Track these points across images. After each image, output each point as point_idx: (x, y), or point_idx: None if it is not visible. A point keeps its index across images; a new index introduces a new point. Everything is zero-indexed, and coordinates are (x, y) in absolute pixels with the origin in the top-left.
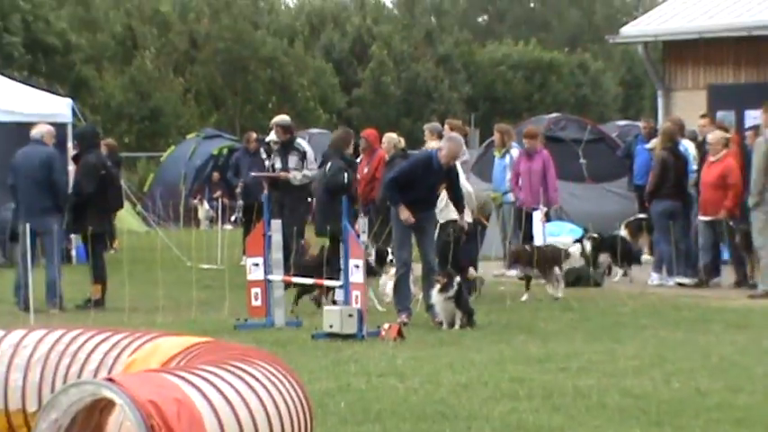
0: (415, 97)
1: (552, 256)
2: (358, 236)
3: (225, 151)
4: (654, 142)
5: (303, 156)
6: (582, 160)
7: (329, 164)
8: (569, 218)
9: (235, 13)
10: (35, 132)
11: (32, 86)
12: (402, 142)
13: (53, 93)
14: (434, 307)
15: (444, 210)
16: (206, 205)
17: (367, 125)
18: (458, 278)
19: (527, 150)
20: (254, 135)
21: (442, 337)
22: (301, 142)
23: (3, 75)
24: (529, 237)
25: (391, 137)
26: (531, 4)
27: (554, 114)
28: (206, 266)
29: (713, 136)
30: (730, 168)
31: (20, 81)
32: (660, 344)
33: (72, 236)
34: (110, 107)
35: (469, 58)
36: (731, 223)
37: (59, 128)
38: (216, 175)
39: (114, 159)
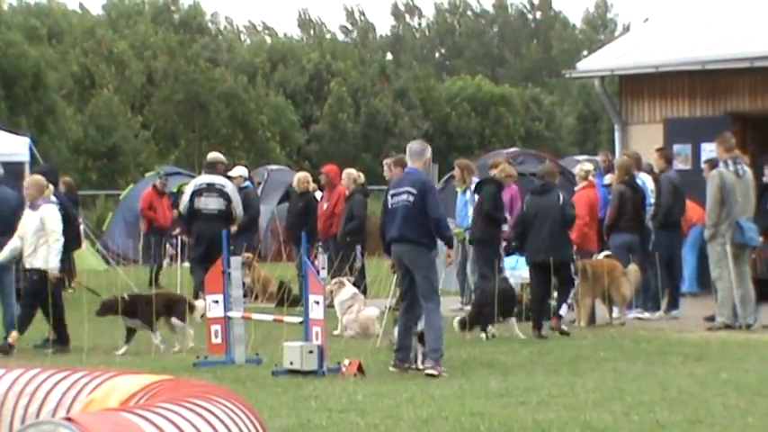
0: (374, 132)
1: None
2: (318, 272)
3: (184, 188)
4: (609, 177)
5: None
6: None
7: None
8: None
9: (192, 52)
10: None
11: None
12: (362, 177)
13: (11, 131)
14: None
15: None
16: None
17: (326, 161)
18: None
19: None
20: None
21: (401, 373)
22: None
23: None
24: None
25: (350, 173)
26: (490, 40)
27: (512, 149)
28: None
29: (578, 169)
30: (578, 200)
31: None
32: (619, 377)
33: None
34: (69, 143)
35: (426, 94)
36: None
37: (17, 167)
38: (175, 212)
39: (72, 198)
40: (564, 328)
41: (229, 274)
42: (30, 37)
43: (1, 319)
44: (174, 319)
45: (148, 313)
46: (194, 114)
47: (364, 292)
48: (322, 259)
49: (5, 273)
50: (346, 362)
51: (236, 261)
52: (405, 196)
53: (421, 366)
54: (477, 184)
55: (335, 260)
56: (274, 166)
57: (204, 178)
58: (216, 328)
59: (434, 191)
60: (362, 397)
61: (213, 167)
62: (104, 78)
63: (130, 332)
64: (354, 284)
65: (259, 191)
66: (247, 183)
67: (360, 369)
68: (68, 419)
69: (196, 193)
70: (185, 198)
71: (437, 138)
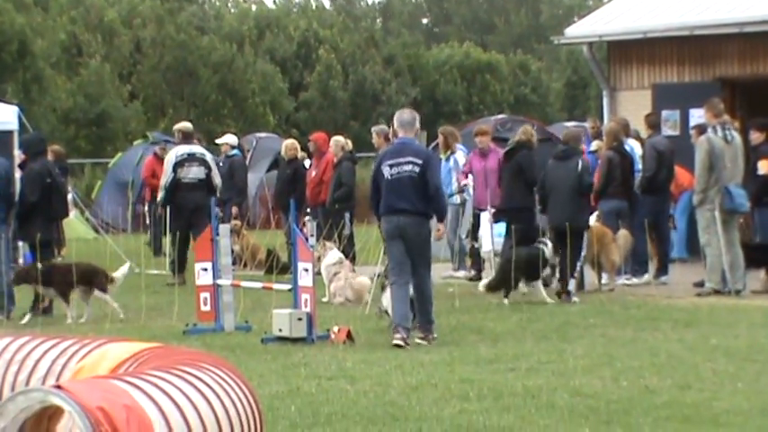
0: (362, 100)
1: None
2: (306, 239)
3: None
4: (597, 144)
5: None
6: None
7: None
8: None
9: (180, 20)
10: None
11: None
12: (349, 145)
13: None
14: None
15: None
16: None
17: (314, 129)
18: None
19: (480, 149)
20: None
21: (390, 340)
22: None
23: None
24: (475, 238)
25: (338, 140)
26: (479, 6)
27: (500, 116)
28: (154, 272)
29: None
30: None
31: None
32: (609, 343)
33: (19, 243)
34: (56, 112)
35: (415, 61)
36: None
37: (5, 135)
38: None
39: (62, 166)
40: (574, 299)
41: (218, 241)
42: (17, 4)
43: None
44: (97, 292)
45: (64, 283)
46: (183, 82)
47: (353, 259)
48: (311, 226)
49: None
50: (335, 329)
51: (224, 229)
52: (410, 167)
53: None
54: (509, 151)
55: (324, 227)
56: (263, 134)
57: (184, 148)
58: (205, 295)
59: (437, 161)
60: (352, 364)
61: (190, 137)
62: (92, 47)
63: (37, 300)
64: (343, 252)
65: (248, 159)
66: (235, 151)
67: (349, 336)
68: (58, 387)
69: (178, 164)
70: (167, 169)
71: (425, 105)
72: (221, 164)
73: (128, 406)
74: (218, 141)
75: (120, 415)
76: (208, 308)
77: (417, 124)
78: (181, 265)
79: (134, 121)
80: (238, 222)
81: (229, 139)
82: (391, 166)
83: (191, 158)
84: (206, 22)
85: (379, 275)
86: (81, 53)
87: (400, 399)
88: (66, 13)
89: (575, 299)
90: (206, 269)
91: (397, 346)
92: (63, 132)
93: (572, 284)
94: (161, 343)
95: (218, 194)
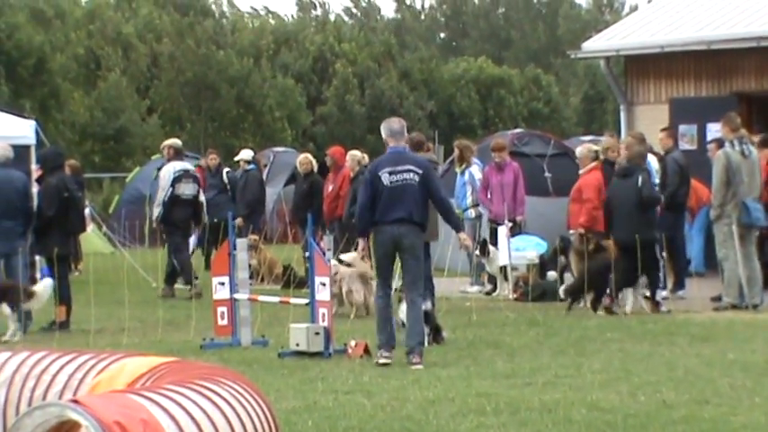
0: (379, 114)
1: None
2: (324, 253)
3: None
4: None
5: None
6: (547, 174)
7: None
8: (530, 232)
9: (198, 34)
10: (1, 155)
11: None
12: (366, 159)
13: (17, 114)
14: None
15: None
16: None
17: (332, 143)
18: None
19: (497, 163)
20: (214, 154)
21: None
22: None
23: None
24: (487, 251)
25: (355, 154)
26: (496, 20)
27: (517, 130)
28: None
29: (581, 150)
30: (587, 183)
31: None
32: (626, 357)
33: (36, 258)
34: (75, 126)
35: (430, 75)
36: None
37: (23, 150)
38: None
39: (77, 180)
40: (663, 309)
41: (235, 256)
42: (36, 19)
43: None
44: (3, 305)
45: None
46: (201, 97)
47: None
48: (327, 241)
49: (14, 256)
50: (352, 343)
51: (242, 243)
52: (410, 175)
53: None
54: (626, 173)
55: (341, 242)
56: (280, 148)
57: (179, 165)
58: (222, 310)
59: (437, 172)
60: (369, 378)
61: (181, 153)
62: (111, 61)
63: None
64: None
65: (265, 173)
66: (251, 166)
67: (366, 350)
68: (75, 402)
69: (176, 180)
70: (166, 185)
71: (441, 119)
72: (239, 178)
73: (145, 420)
74: (236, 158)
75: (137, 429)
76: (225, 322)
77: (406, 133)
78: (171, 278)
79: (152, 135)
80: (256, 237)
81: (245, 154)
82: (390, 173)
83: (186, 175)
84: (223, 37)
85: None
86: (99, 67)
87: (417, 413)
88: (83, 28)
89: (664, 308)
90: (223, 283)
91: (384, 364)
92: (80, 147)
93: (661, 294)
94: (178, 357)
95: (203, 212)
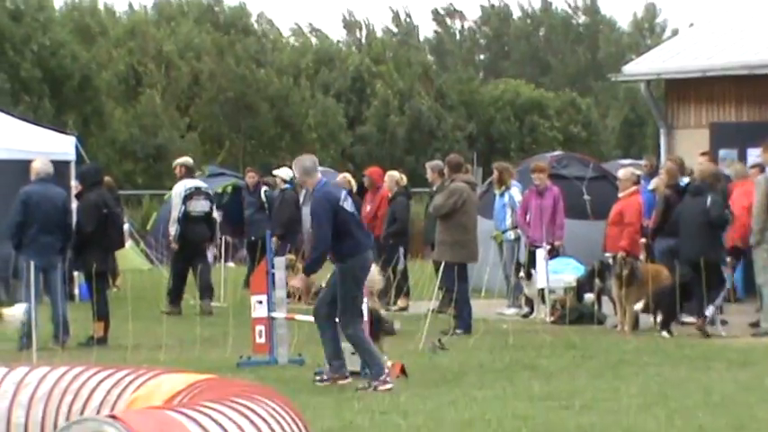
0: (418, 135)
1: None
2: None
3: (229, 189)
4: (655, 182)
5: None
6: (586, 197)
7: None
8: (567, 255)
9: (239, 53)
10: (41, 170)
11: (37, 124)
12: (404, 180)
13: (58, 130)
14: None
15: None
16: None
17: (370, 163)
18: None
19: (537, 186)
20: (252, 172)
21: (444, 375)
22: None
23: (7, 113)
24: (529, 274)
25: (393, 175)
26: (537, 42)
27: (556, 152)
28: (214, 304)
29: (623, 173)
30: (628, 206)
31: (24, 119)
32: (663, 382)
33: (75, 273)
34: (115, 144)
35: (469, 97)
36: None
37: (63, 166)
38: (220, 213)
39: (113, 197)
40: (708, 329)
41: (273, 274)
42: (83, 36)
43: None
44: None
45: None
46: (240, 115)
47: (407, 294)
48: None
49: (53, 271)
50: (389, 363)
51: (279, 262)
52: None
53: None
54: (697, 191)
55: (378, 262)
56: (319, 168)
57: (192, 182)
58: (260, 328)
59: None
60: (405, 399)
61: (192, 172)
62: (152, 78)
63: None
64: (397, 286)
65: (303, 193)
66: (288, 185)
67: (402, 371)
68: (113, 417)
69: (187, 197)
70: (177, 202)
71: (479, 141)
72: (275, 197)
73: None
74: (274, 175)
75: None
76: (263, 340)
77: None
78: (177, 295)
79: (191, 153)
80: (292, 257)
81: (284, 173)
82: (347, 204)
83: (198, 192)
84: (263, 55)
85: (433, 310)
86: (139, 84)
87: None
88: (124, 45)
89: (714, 328)
90: (261, 302)
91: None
92: (120, 165)
93: (710, 311)
94: (215, 375)
95: (217, 229)
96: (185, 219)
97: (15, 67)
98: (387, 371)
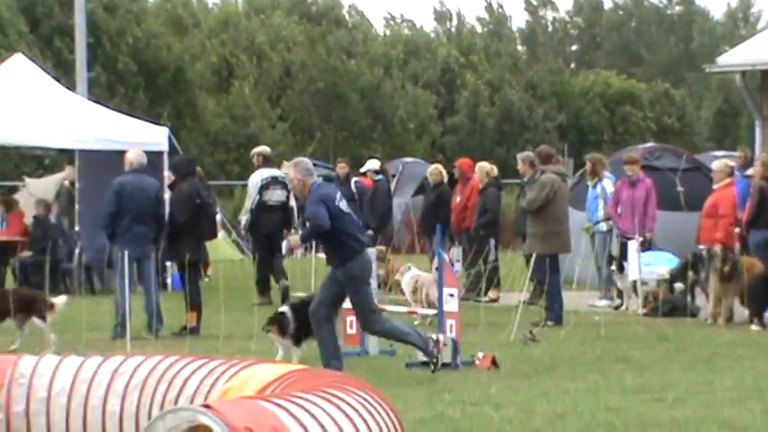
0: (509, 126)
1: None
2: (452, 264)
3: (319, 180)
4: (752, 170)
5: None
6: (679, 188)
7: None
8: (659, 247)
9: (330, 44)
10: (135, 161)
11: (131, 115)
12: (495, 171)
13: (151, 121)
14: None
15: None
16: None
17: (461, 154)
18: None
19: (629, 178)
20: (343, 163)
21: (536, 367)
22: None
23: (102, 104)
24: (621, 266)
25: (483, 166)
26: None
27: (649, 144)
28: (301, 294)
29: (717, 164)
30: (723, 198)
31: (119, 111)
32: (759, 375)
33: (168, 263)
34: (208, 135)
35: (561, 87)
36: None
37: (156, 156)
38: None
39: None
40: None
41: None
42: (175, 27)
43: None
44: (35, 319)
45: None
46: (331, 106)
47: (498, 285)
48: (456, 252)
49: (146, 261)
50: (480, 355)
51: (370, 253)
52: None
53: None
54: None
55: (469, 253)
56: (409, 159)
57: (268, 171)
58: (351, 319)
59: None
60: (496, 390)
61: (270, 161)
62: (244, 69)
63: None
64: (488, 278)
65: (393, 183)
66: (379, 176)
67: (493, 362)
68: (207, 407)
69: (263, 187)
70: (253, 192)
71: (570, 132)
72: (367, 189)
73: (275, 427)
74: (363, 168)
75: None
76: (353, 331)
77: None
78: (265, 285)
79: (282, 144)
80: (383, 248)
81: (373, 164)
82: (342, 204)
83: (274, 182)
84: (354, 46)
85: (524, 302)
86: (231, 75)
87: (545, 426)
88: (216, 36)
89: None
90: None
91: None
92: (212, 155)
93: None
94: (307, 365)
95: (295, 218)
96: (261, 208)
97: (112, 60)
98: (432, 343)
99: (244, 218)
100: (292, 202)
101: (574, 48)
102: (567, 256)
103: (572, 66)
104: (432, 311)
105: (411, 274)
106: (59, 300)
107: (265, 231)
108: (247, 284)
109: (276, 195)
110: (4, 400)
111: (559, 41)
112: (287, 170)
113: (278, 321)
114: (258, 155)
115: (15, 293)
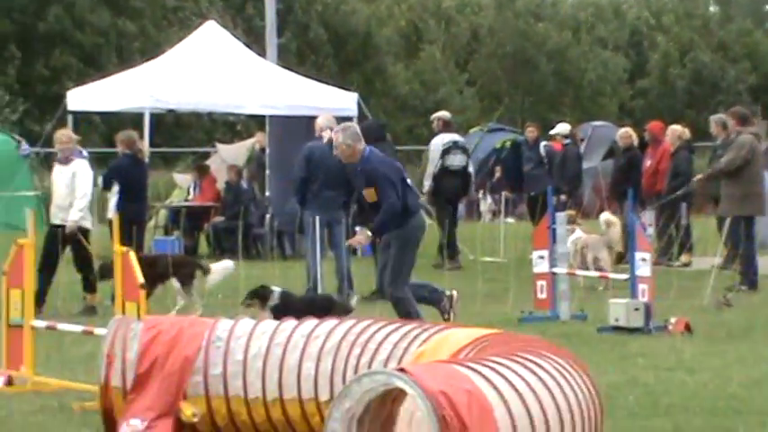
0: (700, 88)
1: None
2: (645, 229)
3: (507, 144)
4: None
5: None
6: None
7: None
8: None
9: (518, 7)
10: (325, 126)
11: (320, 81)
12: (687, 134)
13: (341, 87)
14: None
15: None
16: (488, 198)
17: (650, 117)
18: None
19: None
20: (532, 127)
21: (730, 332)
22: None
23: (292, 71)
24: None
25: (675, 129)
26: None
27: None
28: (489, 259)
29: None
30: None
31: (307, 76)
32: None
33: (357, 228)
34: (397, 100)
35: (753, 48)
36: None
37: (345, 121)
38: (498, 168)
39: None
40: None
41: (555, 230)
42: None
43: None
44: (173, 280)
45: (151, 276)
46: (519, 71)
47: (690, 250)
48: (648, 216)
49: (336, 226)
50: (673, 320)
51: (560, 217)
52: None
53: None
54: None
55: (660, 218)
56: (598, 123)
57: (449, 136)
58: (541, 283)
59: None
60: (690, 356)
61: (450, 126)
62: (431, 34)
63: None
64: (680, 243)
65: (582, 147)
66: (568, 140)
67: (687, 327)
68: (401, 370)
69: (445, 152)
70: (435, 157)
71: (764, 94)
72: (556, 153)
73: (469, 391)
74: (551, 132)
75: (462, 399)
76: (544, 296)
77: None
78: (453, 250)
79: (469, 109)
80: (573, 212)
81: (562, 128)
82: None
83: (455, 147)
84: (542, 9)
85: (717, 266)
86: (420, 40)
87: (742, 392)
88: (404, 1)
89: None
90: (543, 257)
91: None
92: (400, 121)
93: None
94: (498, 330)
95: (471, 183)
96: (442, 173)
97: (302, 27)
98: (444, 299)
99: (427, 183)
100: (471, 168)
101: (767, 7)
102: (762, 220)
103: (767, 26)
104: (624, 276)
105: (574, 237)
106: (219, 265)
107: (447, 196)
108: (433, 250)
109: (457, 160)
110: (202, 362)
111: (752, 1)
112: (334, 135)
113: (260, 295)
114: (438, 119)
115: (167, 259)
